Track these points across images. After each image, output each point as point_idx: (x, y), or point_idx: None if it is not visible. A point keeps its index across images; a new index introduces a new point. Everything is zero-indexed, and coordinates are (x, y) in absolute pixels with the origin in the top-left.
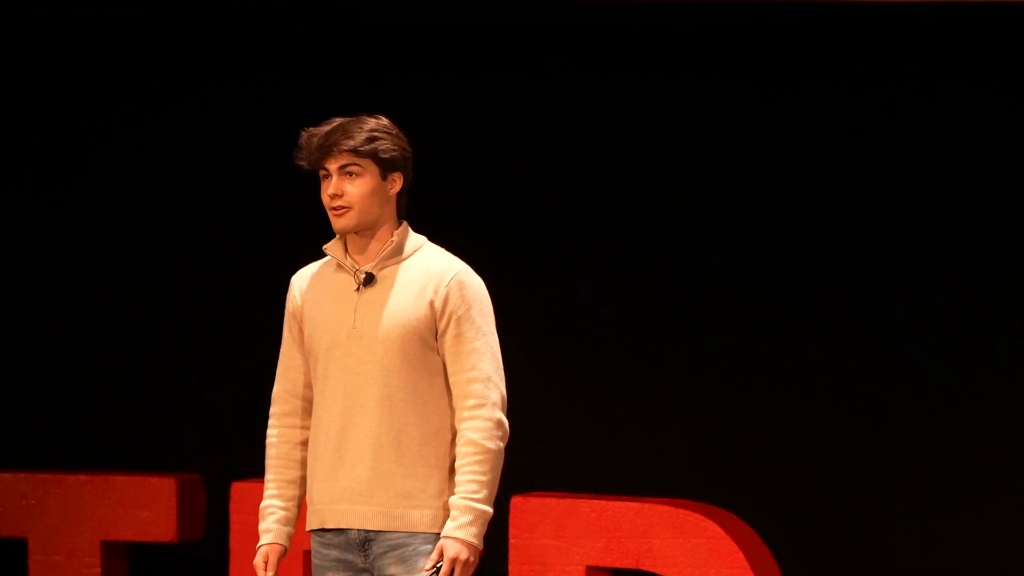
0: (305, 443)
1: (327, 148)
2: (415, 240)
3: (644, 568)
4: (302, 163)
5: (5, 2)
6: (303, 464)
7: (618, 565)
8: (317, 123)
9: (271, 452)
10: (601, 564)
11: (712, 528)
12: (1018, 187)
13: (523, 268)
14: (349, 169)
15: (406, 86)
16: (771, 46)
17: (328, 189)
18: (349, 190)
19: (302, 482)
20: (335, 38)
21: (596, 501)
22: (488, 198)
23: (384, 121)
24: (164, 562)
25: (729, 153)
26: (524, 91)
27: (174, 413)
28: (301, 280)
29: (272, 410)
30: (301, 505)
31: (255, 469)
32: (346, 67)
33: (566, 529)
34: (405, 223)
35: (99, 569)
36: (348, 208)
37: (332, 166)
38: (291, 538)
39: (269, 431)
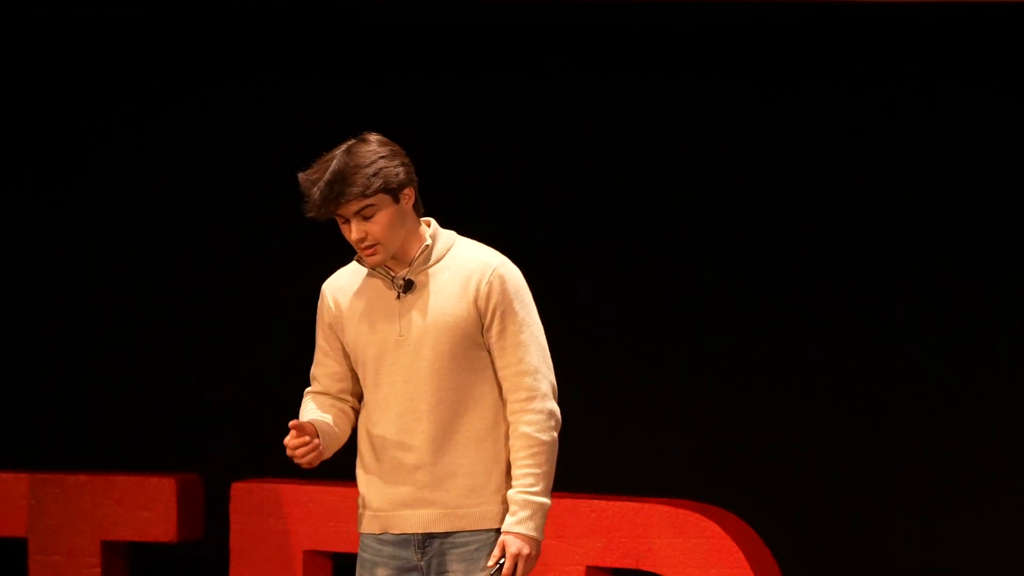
0: (338, 420)
1: (334, 200)
2: (446, 238)
3: (644, 568)
4: (311, 215)
5: (5, 2)
6: (333, 424)
7: (618, 565)
8: (316, 125)
9: (307, 407)
10: (601, 564)
11: (712, 528)
12: (1018, 187)
13: (523, 268)
14: (364, 213)
15: (406, 86)
16: (771, 46)
17: (351, 234)
18: (372, 230)
19: (328, 426)
20: (335, 38)
21: (596, 501)
22: (488, 198)
23: (373, 143)
24: (164, 562)
25: (729, 153)
26: (524, 91)
27: (174, 413)
28: (334, 289)
29: (305, 399)
30: (324, 433)
31: (255, 469)
32: (346, 67)
33: (566, 529)
34: (432, 222)
35: (99, 569)
36: (376, 245)
37: (347, 212)
38: (321, 434)
39: (304, 401)
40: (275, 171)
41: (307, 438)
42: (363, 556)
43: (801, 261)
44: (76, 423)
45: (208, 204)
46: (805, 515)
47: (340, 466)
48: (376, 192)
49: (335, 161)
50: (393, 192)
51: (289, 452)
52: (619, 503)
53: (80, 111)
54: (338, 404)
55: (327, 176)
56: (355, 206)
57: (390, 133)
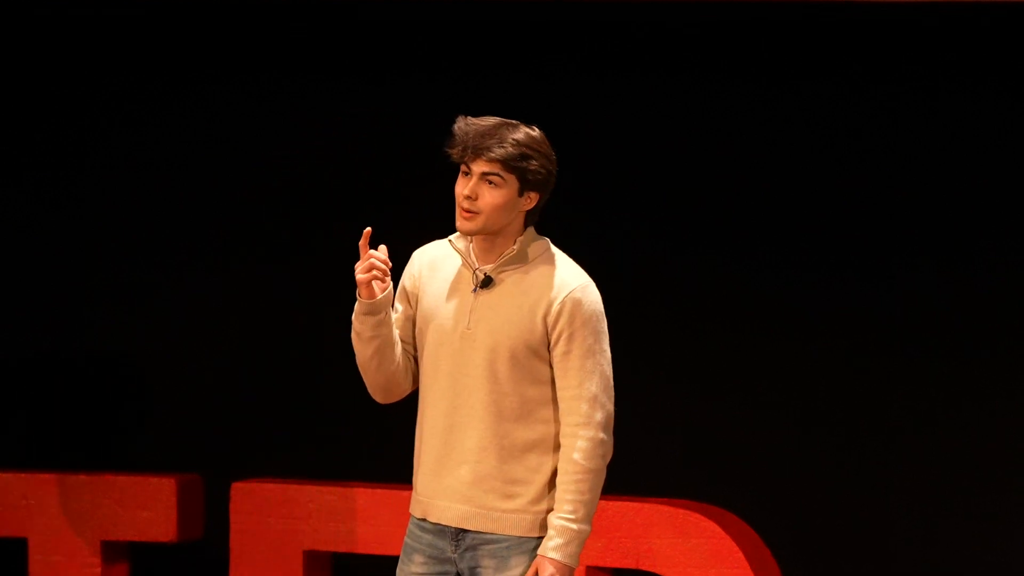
0: (403, 358)
1: (479, 150)
2: (538, 246)
3: (644, 568)
4: (451, 152)
5: (5, 2)
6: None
7: (618, 565)
8: (316, 125)
9: None
10: (601, 564)
11: (712, 528)
12: (1018, 187)
13: None
14: (491, 178)
15: (406, 86)
16: (771, 46)
17: (464, 188)
18: (484, 196)
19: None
20: (335, 38)
21: None
22: None
23: (537, 135)
24: (164, 562)
25: (729, 153)
26: (524, 91)
27: (174, 413)
28: (422, 260)
29: None
30: (390, 322)
31: (255, 469)
32: (346, 67)
33: None
34: (531, 229)
35: (99, 569)
36: (476, 214)
37: (476, 168)
38: (390, 291)
39: None
40: (275, 171)
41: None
42: (407, 541)
43: (801, 261)
44: (76, 423)
45: (208, 204)
46: (805, 515)
47: (340, 466)
48: (511, 170)
49: (500, 123)
50: (524, 182)
51: (363, 264)
52: (619, 503)
53: (80, 111)
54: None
55: (486, 127)
56: (489, 167)
57: (390, 133)
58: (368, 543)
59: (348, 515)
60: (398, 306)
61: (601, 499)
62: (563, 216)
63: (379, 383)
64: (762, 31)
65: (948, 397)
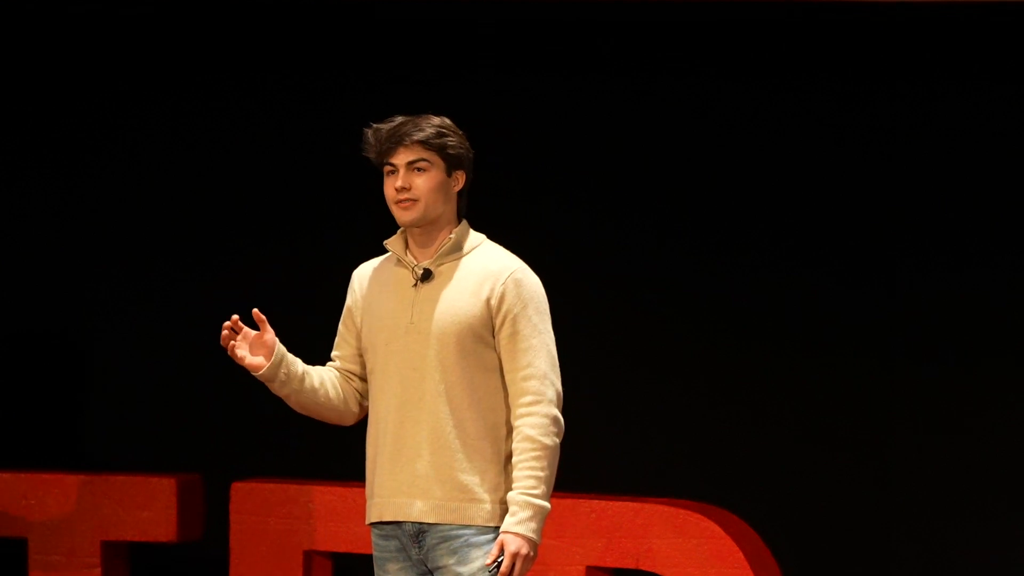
0: (327, 377)
1: (397, 139)
2: (474, 238)
3: (644, 568)
4: (370, 155)
5: (5, 2)
6: (318, 378)
7: (618, 565)
8: (317, 122)
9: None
10: (601, 564)
11: (712, 528)
12: (1017, 191)
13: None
14: (417, 165)
15: (407, 86)
16: (771, 46)
17: (396, 183)
18: (417, 183)
19: (310, 376)
20: (337, 38)
21: (596, 501)
22: (486, 199)
23: (448, 121)
24: (164, 562)
25: (729, 153)
26: (524, 91)
27: (174, 413)
28: (361, 276)
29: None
30: (297, 376)
31: (255, 469)
32: (347, 67)
33: (566, 529)
34: (465, 221)
35: (99, 569)
36: (415, 201)
37: (400, 160)
38: (279, 355)
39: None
40: (276, 172)
41: (240, 331)
42: (375, 555)
43: (801, 262)
44: (76, 423)
45: (208, 205)
46: (805, 515)
47: (341, 466)
48: (435, 149)
49: (408, 117)
50: (449, 161)
51: (237, 356)
52: (619, 503)
53: (81, 111)
54: (341, 375)
55: (398, 120)
56: (412, 154)
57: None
58: (368, 543)
59: (348, 515)
60: (341, 328)
61: (601, 499)
62: (562, 216)
63: (327, 417)
64: (762, 31)
65: (949, 398)
